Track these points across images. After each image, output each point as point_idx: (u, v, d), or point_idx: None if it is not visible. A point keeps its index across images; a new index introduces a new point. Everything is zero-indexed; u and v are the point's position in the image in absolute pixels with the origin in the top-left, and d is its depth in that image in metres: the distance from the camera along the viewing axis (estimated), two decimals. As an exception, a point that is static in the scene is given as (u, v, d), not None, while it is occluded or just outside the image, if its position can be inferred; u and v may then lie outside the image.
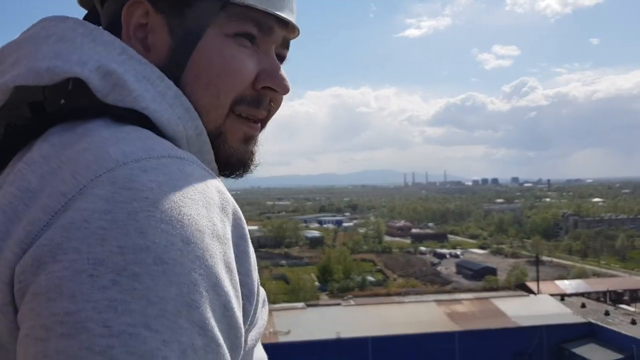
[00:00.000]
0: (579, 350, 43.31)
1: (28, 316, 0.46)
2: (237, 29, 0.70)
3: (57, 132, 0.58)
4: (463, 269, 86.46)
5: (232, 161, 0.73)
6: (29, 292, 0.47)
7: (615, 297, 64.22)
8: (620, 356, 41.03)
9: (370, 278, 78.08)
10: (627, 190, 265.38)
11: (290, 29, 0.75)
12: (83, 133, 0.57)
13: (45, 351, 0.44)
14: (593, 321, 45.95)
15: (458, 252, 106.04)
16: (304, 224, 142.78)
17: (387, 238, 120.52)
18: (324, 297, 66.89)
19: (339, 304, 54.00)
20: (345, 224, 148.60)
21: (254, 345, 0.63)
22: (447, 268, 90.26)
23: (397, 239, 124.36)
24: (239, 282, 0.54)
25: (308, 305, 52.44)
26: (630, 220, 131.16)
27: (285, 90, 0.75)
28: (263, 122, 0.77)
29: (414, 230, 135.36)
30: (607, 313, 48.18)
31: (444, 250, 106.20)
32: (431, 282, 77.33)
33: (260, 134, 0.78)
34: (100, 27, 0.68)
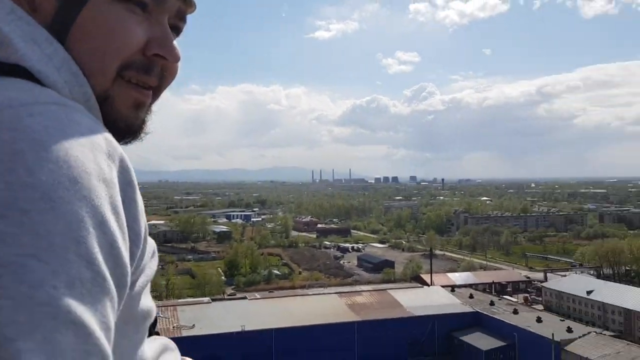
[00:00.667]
0: (467, 338, 46.25)
1: None
2: None
3: None
4: (364, 262, 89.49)
5: (120, 126, 0.72)
6: None
7: (500, 289, 68.68)
8: (503, 343, 44.62)
9: (276, 272, 78.89)
10: (512, 191, 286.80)
11: (187, 2, 0.77)
12: None
13: None
14: (480, 311, 48.98)
15: (360, 246, 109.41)
16: (212, 219, 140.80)
17: (294, 233, 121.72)
18: (230, 292, 66.83)
19: (244, 298, 54.39)
20: (253, 219, 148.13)
21: (140, 291, 0.64)
22: (349, 262, 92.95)
23: (303, 233, 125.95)
24: (126, 225, 0.55)
25: (213, 300, 52.36)
26: (514, 218, 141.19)
27: (176, 58, 0.75)
28: (156, 91, 0.77)
29: (319, 226, 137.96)
30: (492, 303, 51.44)
31: (347, 245, 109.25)
32: (334, 275, 79.21)
33: (154, 102, 0.78)
34: None
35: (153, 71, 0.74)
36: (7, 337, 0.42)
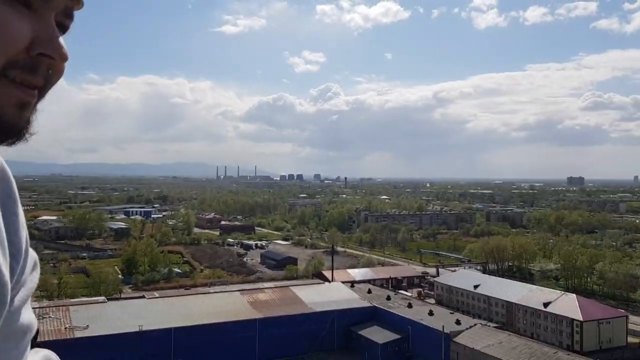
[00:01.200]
0: (364, 332, 48.09)
1: None
2: None
3: None
4: (267, 259, 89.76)
5: (3, 127, 0.70)
6: None
7: (396, 284, 72.12)
8: (398, 336, 46.75)
9: (177, 270, 77.14)
10: (409, 190, 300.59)
11: None
12: None
13: None
14: (377, 305, 51.32)
15: (264, 243, 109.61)
16: (109, 215, 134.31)
17: (196, 230, 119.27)
18: (127, 291, 64.25)
19: (142, 297, 52.58)
20: (154, 216, 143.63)
21: (21, 306, 0.62)
22: (252, 259, 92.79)
23: (206, 230, 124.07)
24: (7, 240, 0.54)
25: (109, 299, 50.18)
26: (410, 216, 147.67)
27: (63, 57, 0.73)
28: (41, 90, 0.74)
29: (223, 223, 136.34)
30: (388, 298, 53.99)
31: (250, 242, 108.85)
32: (237, 272, 78.77)
33: (39, 102, 0.76)
34: None
35: (38, 71, 0.72)
36: None
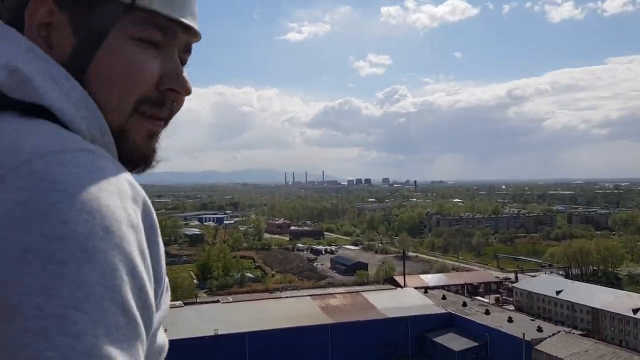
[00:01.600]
0: (440, 339, 46.35)
1: None
2: (142, 33, 0.71)
3: None
4: (337, 264, 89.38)
5: (134, 158, 0.75)
6: None
7: (472, 290, 69.49)
8: (475, 343, 44.92)
9: (249, 275, 78.16)
10: (483, 192, 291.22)
11: (192, 33, 0.79)
12: None
13: None
14: (452, 312, 49.32)
15: (333, 248, 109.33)
16: (184, 222, 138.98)
17: (266, 235, 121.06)
18: (202, 295, 65.88)
19: (217, 301, 53.67)
20: (226, 222, 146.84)
21: (157, 329, 0.66)
22: (322, 264, 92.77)
23: (276, 236, 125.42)
24: (151, 267, 0.58)
25: (186, 304, 51.50)
26: (485, 220, 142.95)
27: (188, 91, 0.79)
28: (166, 121, 0.80)
29: (292, 228, 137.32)
30: (464, 304, 51.90)
31: (320, 247, 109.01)
32: (307, 277, 78.93)
33: (163, 130, 0.81)
34: (1, 22, 0.68)
35: (165, 104, 0.77)
36: None
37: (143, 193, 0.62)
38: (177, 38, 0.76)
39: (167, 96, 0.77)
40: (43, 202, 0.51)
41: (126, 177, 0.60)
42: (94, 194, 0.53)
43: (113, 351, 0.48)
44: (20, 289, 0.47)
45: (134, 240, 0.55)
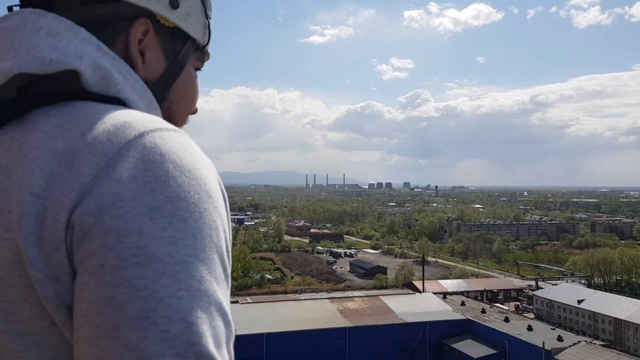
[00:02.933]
0: (458, 345, 45.94)
1: (98, 251, 0.59)
2: (198, 65, 0.96)
3: (53, 109, 0.69)
4: (356, 267, 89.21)
5: None
6: (93, 232, 0.60)
7: (491, 296, 69.08)
8: (494, 351, 44.53)
9: (268, 276, 78.64)
10: (504, 199, 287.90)
11: (207, 56, 1.01)
12: (84, 107, 0.70)
13: (123, 276, 0.57)
14: (471, 318, 48.62)
15: (353, 251, 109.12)
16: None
17: (286, 237, 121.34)
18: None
19: (236, 302, 54.12)
20: (246, 223, 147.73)
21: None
22: (342, 267, 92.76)
23: (296, 238, 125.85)
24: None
25: (205, 303, 51.99)
26: (506, 226, 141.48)
27: (196, 110, 1.00)
28: None
29: (312, 230, 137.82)
30: (483, 311, 51.16)
31: (339, 250, 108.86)
32: (326, 280, 79.05)
33: None
34: (71, 22, 0.76)
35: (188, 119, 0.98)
36: (189, 321, 0.57)
37: (216, 171, 0.72)
38: (203, 64, 0.99)
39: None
40: (160, 170, 0.63)
41: (205, 155, 0.72)
42: (195, 164, 0.66)
43: (221, 296, 0.62)
44: (155, 239, 0.59)
45: (223, 207, 0.69)
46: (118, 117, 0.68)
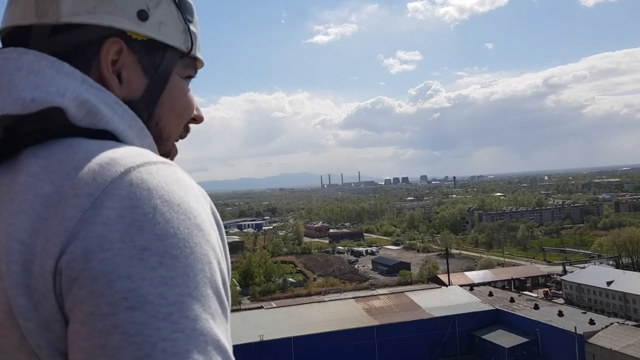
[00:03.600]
0: (488, 336, 45.03)
1: (88, 297, 0.57)
2: (188, 73, 0.90)
3: (40, 149, 0.68)
4: (379, 265, 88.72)
5: None
6: (81, 278, 0.58)
7: (519, 285, 67.89)
8: (526, 339, 43.67)
9: (291, 279, 78.41)
10: (525, 185, 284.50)
11: (200, 64, 0.96)
12: (72, 146, 0.68)
13: (114, 323, 0.55)
14: (500, 308, 47.91)
15: (374, 249, 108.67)
16: (224, 230, 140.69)
17: (306, 239, 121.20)
18: (245, 302, 66.50)
19: (261, 307, 53.99)
20: (265, 228, 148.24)
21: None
22: (364, 265, 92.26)
23: (315, 239, 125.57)
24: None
25: (230, 311, 51.98)
26: (529, 213, 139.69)
27: (202, 118, 0.97)
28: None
29: (331, 231, 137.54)
30: (512, 300, 50.45)
31: (360, 248, 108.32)
32: (349, 279, 78.56)
33: None
34: (54, 58, 0.75)
35: (188, 128, 0.95)
36: None
37: (208, 197, 0.71)
38: (196, 72, 0.95)
39: (190, 121, 0.94)
40: (148, 207, 0.61)
41: (195, 183, 0.70)
42: (183, 198, 0.64)
43: (218, 333, 0.59)
44: (145, 281, 0.57)
45: (215, 237, 0.66)
46: (104, 154, 0.66)
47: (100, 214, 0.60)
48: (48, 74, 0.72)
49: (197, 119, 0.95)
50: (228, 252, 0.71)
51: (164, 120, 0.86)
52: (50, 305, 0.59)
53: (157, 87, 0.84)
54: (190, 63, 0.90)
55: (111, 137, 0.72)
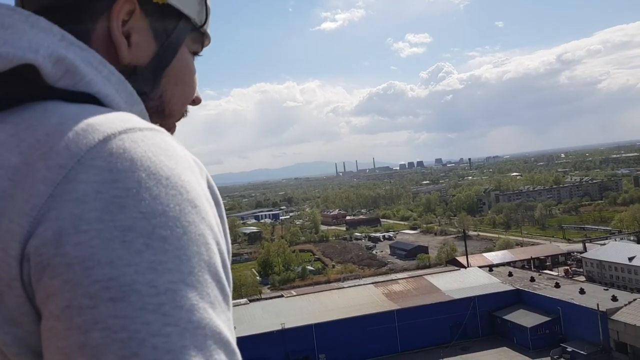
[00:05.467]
0: (510, 317, 44.92)
1: (63, 288, 0.47)
2: (195, 48, 0.84)
3: (10, 115, 0.58)
4: (397, 250, 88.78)
5: None
6: (53, 265, 0.48)
7: (539, 264, 67.25)
8: (548, 318, 43.34)
9: (309, 267, 78.90)
10: (541, 163, 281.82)
11: (208, 40, 0.90)
12: (45, 110, 0.58)
13: (95, 317, 0.46)
14: (520, 288, 47.82)
15: (391, 234, 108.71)
16: (242, 221, 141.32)
17: (323, 227, 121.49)
18: (266, 291, 67.10)
19: (281, 296, 54.45)
20: (282, 217, 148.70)
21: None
22: (382, 251, 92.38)
23: (332, 227, 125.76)
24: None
25: (251, 301, 52.50)
26: (547, 191, 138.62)
27: (200, 101, 0.90)
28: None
29: (348, 218, 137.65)
30: (532, 279, 50.20)
31: (377, 234, 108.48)
32: (368, 265, 78.79)
33: None
34: (29, 12, 0.66)
35: (187, 109, 0.88)
36: None
37: (205, 169, 0.62)
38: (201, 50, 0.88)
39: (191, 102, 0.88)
40: (131, 180, 0.51)
41: (189, 153, 0.61)
42: (174, 170, 0.53)
43: (219, 324, 0.50)
44: (129, 267, 0.47)
45: (212, 213, 0.56)
46: (82, 119, 0.56)
47: (74, 189, 0.50)
48: (20, 28, 0.62)
49: (196, 100, 0.88)
50: (228, 231, 0.62)
51: (169, 93, 0.78)
52: (15, 296, 0.50)
53: (167, 55, 0.77)
54: (199, 38, 0.84)
55: (95, 102, 0.62)
